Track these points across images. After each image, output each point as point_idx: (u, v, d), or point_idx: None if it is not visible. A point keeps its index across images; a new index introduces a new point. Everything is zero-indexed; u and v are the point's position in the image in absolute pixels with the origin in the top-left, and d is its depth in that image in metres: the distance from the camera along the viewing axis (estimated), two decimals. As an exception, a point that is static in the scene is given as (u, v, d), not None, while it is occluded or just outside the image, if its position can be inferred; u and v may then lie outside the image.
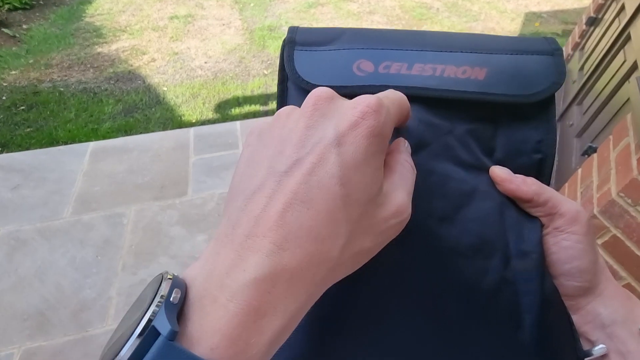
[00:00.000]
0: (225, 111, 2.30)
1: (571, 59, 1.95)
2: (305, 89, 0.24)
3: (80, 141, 1.96)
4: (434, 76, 0.24)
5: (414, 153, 0.23)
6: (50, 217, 1.49)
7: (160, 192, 1.60)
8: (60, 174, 1.67)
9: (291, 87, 0.26)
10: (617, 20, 1.42)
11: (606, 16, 1.62)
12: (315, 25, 3.34)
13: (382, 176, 0.18)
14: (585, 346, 0.23)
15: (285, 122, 0.18)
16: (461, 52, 0.25)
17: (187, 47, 2.97)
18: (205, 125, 2.09)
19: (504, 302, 0.22)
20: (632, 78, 0.86)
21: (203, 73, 2.66)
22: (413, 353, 0.22)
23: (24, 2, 3.13)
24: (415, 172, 0.21)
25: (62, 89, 2.40)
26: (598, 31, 1.64)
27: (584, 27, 1.85)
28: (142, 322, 0.14)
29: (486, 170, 0.25)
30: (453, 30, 3.40)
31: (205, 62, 2.79)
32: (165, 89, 2.47)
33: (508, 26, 3.55)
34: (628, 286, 0.78)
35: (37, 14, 3.15)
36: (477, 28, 3.49)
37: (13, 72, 2.54)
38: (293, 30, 0.27)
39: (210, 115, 2.26)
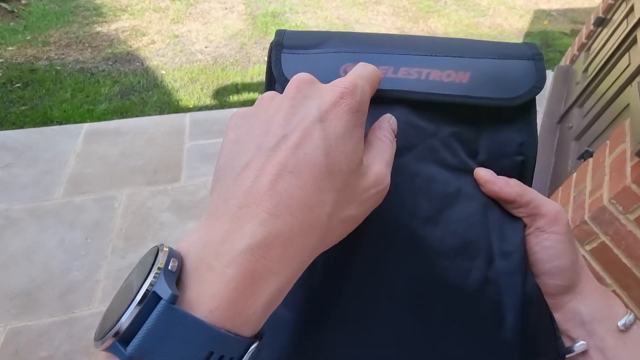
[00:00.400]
0: (223, 98, 2.27)
1: (576, 59, 1.91)
2: None
3: (75, 122, 1.94)
4: (420, 79, 0.25)
5: (400, 155, 0.23)
6: (42, 197, 1.48)
7: (153, 177, 1.59)
8: (53, 154, 1.66)
9: (279, 90, 0.26)
10: (625, 22, 1.39)
11: (615, 17, 1.58)
12: (319, 13, 3.28)
13: (362, 148, 0.19)
14: (567, 343, 0.24)
15: (269, 104, 0.20)
16: (446, 56, 0.26)
17: (188, 30, 2.92)
18: (202, 111, 2.07)
19: (487, 302, 0.23)
20: (635, 82, 0.84)
21: (203, 58, 2.62)
22: (397, 352, 0.23)
23: (23, -24, 3.07)
24: (395, 146, 0.22)
25: (59, 68, 2.37)
26: (605, 32, 1.60)
27: (591, 27, 1.81)
28: (142, 289, 0.14)
29: (470, 172, 0.25)
30: (459, 25, 3.34)
31: (206, 47, 2.74)
32: (163, 72, 2.44)
33: (516, 23, 3.48)
34: (614, 293, 0.78)
35: (37, -11, 3.09)
36: (485, 23, 3.42)
37: (10, 48, 2.50)
38: (280, 34, 0.27)
39: (208, 101, 2.23)
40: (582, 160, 1.03)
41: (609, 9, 1.70)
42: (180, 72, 2.45)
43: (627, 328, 0.23)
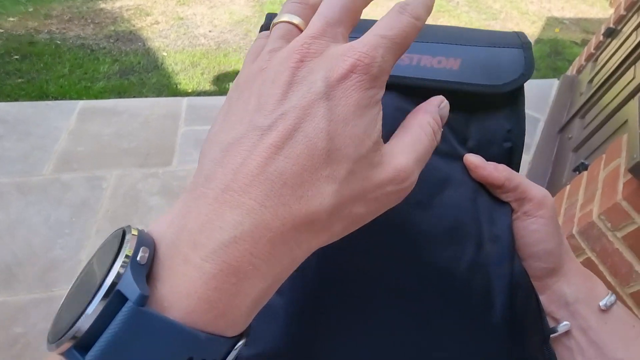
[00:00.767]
0: (223, 84, 2.24)
1: (583, 69, 1.88)
2: None
3: (71, 98, 1.91)
4: (411, 65, 0.25)
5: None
6: (30, 172, 1.46)
7: (144, 160, 1.57)
8: (45, 130, 1.64)
9: None
10: (634, 34, 1.36)
11: (625, 29, 1.54)
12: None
13: (378, 131, 0.16)
14: (551, 324, 0.25)
15: (268, 63, 0.16)
16: (437, 42, 0.25)
17: (193, 12, 2.88)
18: (199, 97, 2.04)
19: (477, 285, 0.23)
20: (637, 97, 0.82)
21: (206, 42, 2.58)
22: (389, 336, 0.23)
23: (29, -54, 3.01)
24: (438, 139, 0.19)
25: (59, 42, 2.33)
26: (614, 44, 1.57)
27: (601, 38, 1.77)
28: (104, 284, 0.12)
29: (460, 158, 0.25)
30: (470, 27, 3.29)
31: (210, 31, 2.70)
32: (165, 54, 2.40)
33: (527, 29, 3.42)
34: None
35: (43, -39, 3.03)
36: (495, 27, 3.37)
37: (11, 19, 2.46)
38: (270, 17, 0.26)
39: (208, 86, 2.20)
40: (577, 172, 1.01)
41: (620, 20, 1.66)
42: (182, 55, 2.42)
43: (608, 308, 0.24)
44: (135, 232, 0.14)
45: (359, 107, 0.15)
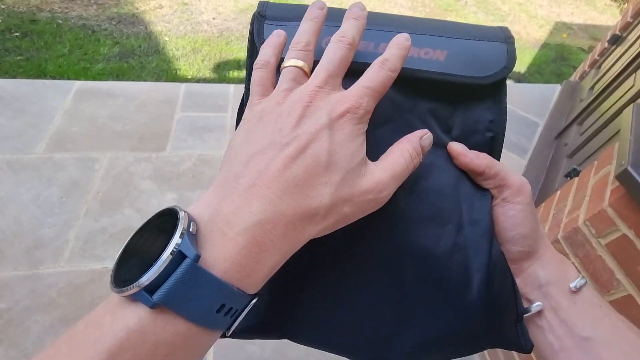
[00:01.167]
0: (223, 72, 2.22)
1: (586, 76, 1.86)
2: None
3: (68, 78, 1.90)
4: None
5: (378, 127, 0.25)
6: (22, 150, 1.46)
7: (138, 144, 1.57)
8: (40, 108, 1.63)
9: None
10: (639, 42, 1.34)
11: (630, 36, 1.52)
12: (339, 1, 3.20)
13: (363, 151, 0.21)
14: (525, 305, 0.26)
15: (284, 99, 0.21)
16: (425, 34, 0.26)
17: (197, -1, 2.85)
18: (198, 83, 2.03)
19: (456, 265, 0.24)
20: (632, 104, 0.80)
21: (209, 29, 2.56)
22: (369, 309, 0.25)
23: None
24: (415, 163, 0.23)
25: (60, 22, 2.31)
26: (619, 51, 1.55)
27: (606, 44, 1.75)
28: (169, 247, 0.16)
29: (444, 146, 0.27)
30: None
31: (214, 18, 2.68)
32: (166, 38, 2.39)
33: (534, 32, 3.39)
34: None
35: (48, -62, 3.00)
36: (502, 29, 3.34)
37: (13, -4, 2.44)
38: (263, 5, 0.27)
39: (207, 74, 2.18)
40: (569, 178, 1.00)
41: (626, 27, 1.64)
42: (183, 40, 2.40)
43: (577, 289, 0.25)
44: (183, 212, 0.18)
45: (351, 136, 0.21)
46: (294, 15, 0.26)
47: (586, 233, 0.72)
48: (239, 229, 0.18)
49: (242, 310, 0.19)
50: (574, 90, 1.86)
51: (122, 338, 0.16)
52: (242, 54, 2.39)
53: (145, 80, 2.03)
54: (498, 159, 0.27)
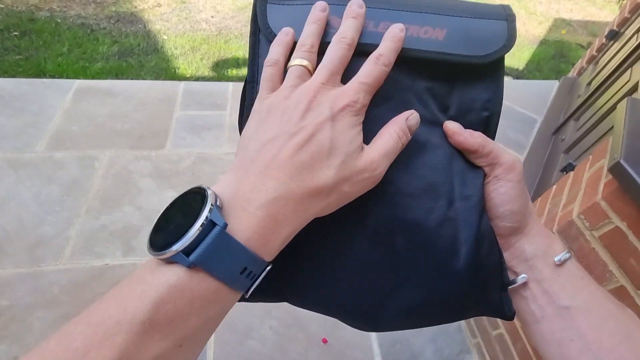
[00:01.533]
0: (221, 70, 2.23)
1: (584, 72, 1.86)
2: None
3: (68, 77, 1.91)
4: None
5: (377, 105, 0.26)
6: (23, 149, 1.47)
7: (137, 142, 1.57)
8: (40, 107, 1.64)
9: (262, 40, 0.28)
10: (635, 37, 1.34)
11: (627, 31, 1.53)
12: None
13: (360, 138, 0.24)
14: (512, 277, 0.28)
15: (290, 94, 0.24)
16: (425, 12, 0.27)
17: (196, -3, 2.85)
18: (197, 82, 2.03)
19: (445, 235, 0.26)
20: (627, 98, 0.81)
21: (207, 27, 2.56)
22: (363, 272, 0.26)
23: None
24: (403, 142, 0.25)
25: (59, 20, 2.32)
26: (616, 46, 1.55)
27: (603, 40, 1.76)
28: (201, 216, 0.19)
29: (440, 125, 0.27)
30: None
31: (212, 17, 2.68)
32: (165, 37, 2.39)
33: (533, 29, 3.38)
34: (569, 309, 0.77)
35: (46, -63, 3.00)
36: (501, 26, 3.33)
37: (12, -5, 2.44)
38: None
39: (206, 72, 2.19)
40: (565, 172, 1.01)
41: (624, 23, 1.64)
42: (182, 39, 2.40)
43: (561, 263, 0.26)
44: (210, 190, 0.21)
45: (350, 126, 0.23)
46: None
47: (580, 226, 0.73)
48: (257, 204, 0.21)
49: (260, 275, 0.21)
50: (571, 86, 1.86)
51: (163, 292, 0.19)
52: (241, 52, 2.39)
53: (144, 79, 2.04)
54: (493, 137, 0.28)
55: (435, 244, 0.26)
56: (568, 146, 1.27)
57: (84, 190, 1.37)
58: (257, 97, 0.25)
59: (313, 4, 0.26)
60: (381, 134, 0.25)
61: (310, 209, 0.22)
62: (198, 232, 0.19)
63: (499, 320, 0.96)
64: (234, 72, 2.24)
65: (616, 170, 0.64)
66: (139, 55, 2.20)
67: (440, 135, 0.27)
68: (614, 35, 1.65)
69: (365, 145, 0.24)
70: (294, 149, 0.22)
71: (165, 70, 2.14)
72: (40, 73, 1.91)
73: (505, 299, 0.28)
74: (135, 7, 2.60)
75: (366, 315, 0.27)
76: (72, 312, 1.07)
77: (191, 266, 0.19)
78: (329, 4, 0.26)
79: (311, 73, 0.25)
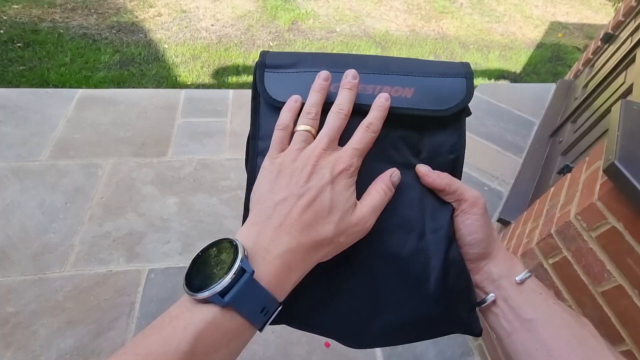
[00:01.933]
0: (222, 78, 2.25)
1: (580, 75, 1.88)
2: (274, 106, 0.32)
3: (71, 86, 1.93)
4: (373, 95, 0.31)
5: None
6: (27, 157, 1.48)
7: (140, 149, 1.59)
8: (43, 117, 1.66)
9: (262, 103, 0.32)
10: (629, 40, 1.36)
11: (622, 34, 1.55)
12: (331, 2, 3.23)
13: (354, 197, 0.29)
14: (483, 296, 0.31)
15: (296, 158, 0.29)
16: (395, 74, 0.32)
17: (196, 6, 2.89)
18: (198, 89, 2.06)
19: (417, 264, 0.30)
20: (621, 100, 0.83)
21: (208, 36, 2.60)
22: (351, 301, 0.30)
23: None
24: (389, 196, 0.30)
25: (61, 31, 2.35)
26: (611, 49, 1.57)
27: (599, 43, 1.78)
28: (235, 265, 0.24)
29: (412, 167, 0.32)
30: (472, 29, 3.28)
31: (212, 25, 2.72)
32: (166, 46, 2.42)
33: (530, 33, 3.42)
34: (569, 308, 0.77)
35: (49, -50, 3.05)
36: (498, 30, 3.36)
37: (15, 7, 2.48)
38: (263, 55, 0.33)
39: (207, 79, 2.22)
40: (562, 174, 1.02)
41: (619, 26, 1.67)
42: (182, 47, 2.43)
43: (522, 281, 0.30)
44: (236, 242, 0.25)
45: (345, 187, 0.28)
46: (290, 63, 0.32)
47: (577, 227, 0.74)
48: (274, 254, 0.25)
49: (273, 313, 0.25)
50: (568, 89, 1.88)
51: (202, 327, 0.23)
52: (241, 60, 2.42)
53: (145, 87, 2.06)
54: (459, 175, 0.33)
55: (410, 271, 0.30)
56: (565, 148, 1.28)
57: (88, 197, 1.39)
58: (267, 155, 0.30)
59: (306, 72, 0.32)
60: (370, 191, 0.29)
61: (314, 258, 0.27)
62: (232, 278, 0.23)
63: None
64: (234, 79, 2.26)
65: (611, 171, 0.65)
66: (140, 64, 2.23)
67: (412, 177, 0.32)
68: (609, 38, 1.67)
69: (358, 202, 0.29)
70: (302, 208, 0.26)
71: (166, 79, 2.17)
72: (43, 83, 1.93)
73: (474, 318, 0.31)
74: (136, 17, 2.64)
75: (352, 335, 0.31)
76: (76, 318, 1.08)
77: (225, 306, 0.23)
78: (317, 71, 0.31)
79: (314, 136, 0.30)
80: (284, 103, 0.31)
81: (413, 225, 0.30)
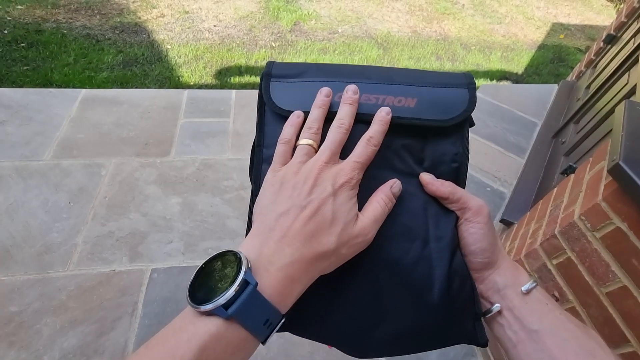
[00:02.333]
0: (224, 78, 2.26)
1: (582, 76, 1.88)
2: (279, 114, 0.32)
3: (74, 87, 1.94)
4: (377, 104, 0.31)
5: None
6: (30, 157, 1.49)
7: (143, 149, 1.60)
8: (47, 117, 1.67)
9: (268, 112, 0.33)
10: (632, 41, 1.36)
11: (624, 35, 1.55)
12: (333, 3, 3.24)
13: (355, 208, 0.29)
14: (488, 306, 0.31)
15: (298, 169, 0.29)
16: (399, 84, 0.32)
17: (199, 7, 2.90)
18: (200, 89, 2.06)
19: (421, 272, 0.29)
20: (625, 101, 0.83)
21: (210, 36, 2.60)
22: (352, 310, 0.30)
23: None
24: (390, 207, 0.30)
25: (65, 32, 2.36)
26: (613, 50, 1.57)
27: (601, 44, 1.78)
28: (239, 278, 0.24)
29: (416, 176, 0.32)
30: (474, 30, 3.29)
31: (215, 26, 2.73)
32: (169, 46, 2.43)
33: (531, 34, 3.42)
34: (572, 310, 0.77)
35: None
36: (499, 31, 3.37)
37: (19, 7, 2.50)
38: (269, 65, 0.33)
39: (209, 80, 2.22)
40: (565, 175, 1.02)
41: (621, 27, 1.67)
42: (185, 48, 2.44)
43: (528, 291, 0.30)
44: (240, 254, 0.25)
45: (347, 199, 0.28)
46: (295, 73, 0.33)
47: (582, 227, 0.74)
48: (277, 266, 0.25)
49: (277, 325, 0.25)
50: (570, 90, 1.88)
51: (206, 340, 0.23)
52: (243, 60, 2.43)
53: (148, 88, 2.07)
54: (463, 184, 0.33)
55: (412, 280, 0.29)
56: (568, 149, 1.28)
57: (91, 197, 1.39)
58: (270, 169, 0.30)
59: (310, 81, 0.32)
60: (371, 201, 0.29)
61: (316, 269, 0.27)
62: (236, 290, 0.23)
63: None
64: (236, 79, 2.27)
65: (615, 171, 0.65)
66: (143, 65, 2.24)
67: (416, 185, 0.31)
68: (611, 39, 1.67)
69: (359, 214, 0.29)
70: (305, 220, 0.26)
71: (169, 79, 2.17)
72: (47, 83, 1.94)
73: (479, 328, 0.31)
74: (139, 18, 2.65)
75: (355, 345, 0.31)
76: (79, 318, 1.09)
77: (229, 318, 0.23)
78: (321, 81, 0.32)
79: (316, 150, 0.30)
80: (288, 111, 0.31)
81: (416, 234, 0.30)
